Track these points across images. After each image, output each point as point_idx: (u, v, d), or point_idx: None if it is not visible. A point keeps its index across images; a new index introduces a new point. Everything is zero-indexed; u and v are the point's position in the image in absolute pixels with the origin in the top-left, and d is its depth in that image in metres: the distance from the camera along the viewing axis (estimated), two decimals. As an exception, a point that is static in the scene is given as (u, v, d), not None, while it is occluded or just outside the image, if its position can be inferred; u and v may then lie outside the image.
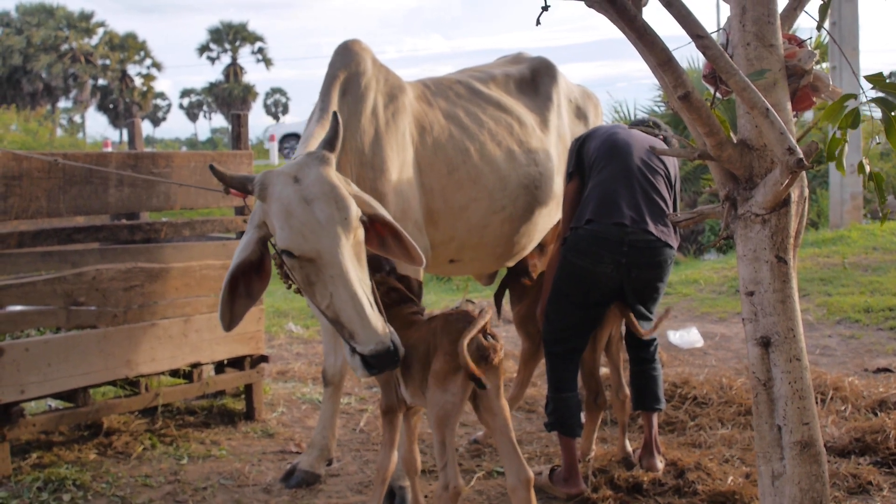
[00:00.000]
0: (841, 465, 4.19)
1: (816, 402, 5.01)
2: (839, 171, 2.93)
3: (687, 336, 6.87)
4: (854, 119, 2.80)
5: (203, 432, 4.94)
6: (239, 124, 5.05)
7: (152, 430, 4.91)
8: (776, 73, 2.69)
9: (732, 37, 2.76)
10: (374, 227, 3.30)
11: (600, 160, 4.11)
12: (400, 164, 3.97)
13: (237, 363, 5.12)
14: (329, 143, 3.20)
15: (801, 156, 2.40)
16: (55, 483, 4.13)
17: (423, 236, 4.10)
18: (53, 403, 5.04)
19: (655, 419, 4.27)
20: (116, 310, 4.45)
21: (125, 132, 58.58)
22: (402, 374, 3.42)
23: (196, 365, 4.88)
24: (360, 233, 3.17)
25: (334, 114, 3.19)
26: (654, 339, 4.28)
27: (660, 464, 4.18)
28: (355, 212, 3.10)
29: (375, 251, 3.33)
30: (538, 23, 2.29)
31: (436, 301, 9.94)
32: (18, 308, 4.30)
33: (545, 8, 2.27)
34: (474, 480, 4.25)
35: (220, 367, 5.18)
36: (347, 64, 4.03)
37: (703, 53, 2.48)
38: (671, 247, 4.02)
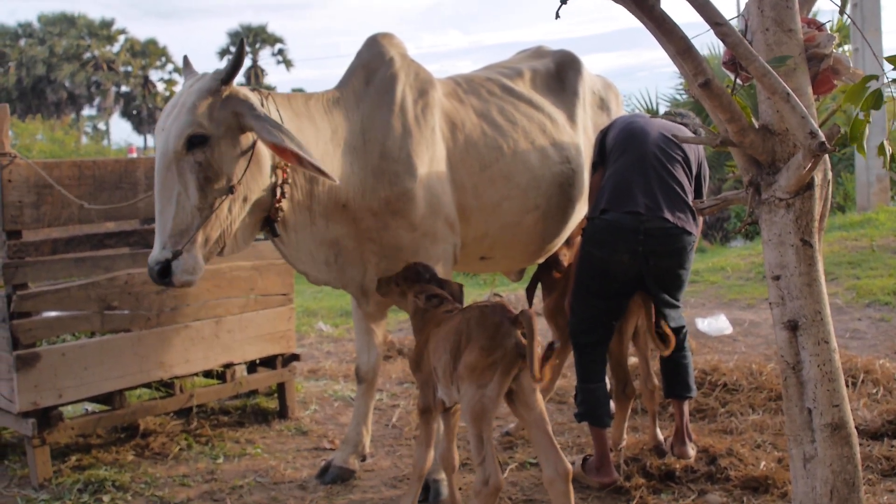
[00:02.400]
0: (874, 448, 4.19)
1: (847, 386, 5.02)
2: (860, 153, 2.93)
3: (715, 323, 6.86)
4: (877, 100, 2.81)
5: (238, 431, 5.01)
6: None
7: (188, 430, 4.98)
8: (796, 58, 2.69)
9: (751, 22, 2.77)
10: (286, 154, 3.39)
11: (617, 149, 4.12)
12: (429, 159, 3.97)
13: (269, 362, 5.18)
14: (226, 72, 3.39)
15: (823, 139, 2.41)
16: (95, 484, 4.20)
17: (454, 234, 4.09)
18: (90, 407, 5.11)
19: (686, 407, 4.27)
20: (149, 313, 4.52)
21: (150, 138, 59.18)
22: (434, 370, 3.43)
23: (229, 365, 4.94)
24: (200, 156, 3.30)
25: (241, 40, 3.32)
26: (684, 327, 4.28)
27: (691, 451, 4.19)
28: (181, 131, 3.28)
29: (294, 164, 3.44)
30: (557, 16, 2.31)
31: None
32: (54, 314, 4.37)
33: (564, 1, 2.29)
34: (507, 472, 4.28)
35: (252, 366, 5.24)
36: (373, 55, 4.05)
37: (723, 41, 2.50)
38: (689, 233, 4.00)
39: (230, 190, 3.37)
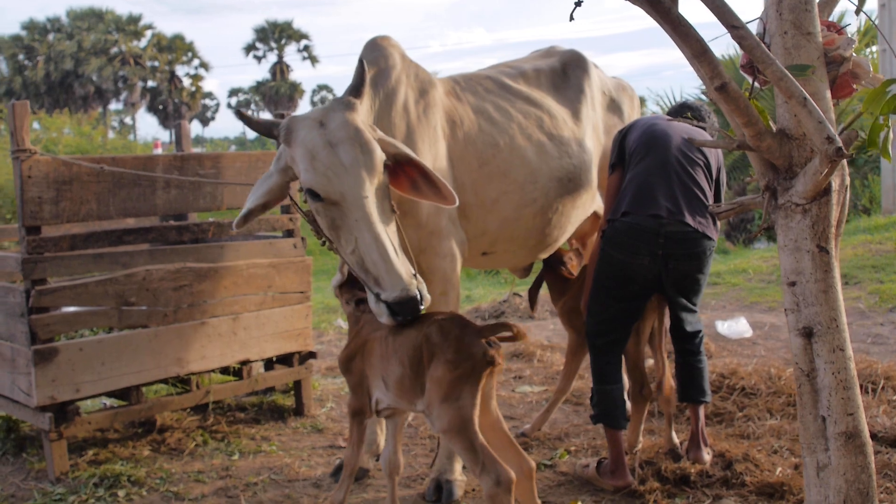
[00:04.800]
0: (892, 456, 4.13)
1: (867, 392, 4.97)
2: (885, 157, 2.89)
3: (735, 326, 6.81)
4: (897, 105, 2.78)
5: (254, 428, 5.03)
6: (282, 124, 5.09)
7: (204, 426, 5.00)
8: (815, 62, 2.66)
9: (769, 26, 2.73)
10: (404, 169, 3.32)
11: (638, 152, 4.10)
12: (432, 158, 3.99)
13: (286, 360, 5.19)
14: (355, 90, 3.26)
15: (840, 144, 2.38)
16: (110, 479, 4.23)
17: (458, 230, 4.11)
18: (108, 402, 5.15)
19: (702, 411, 4.24)
20: (166, 309, 4.54)
21: (174, 133, 59.59)
22: (382, 378, 3.39)
23: (245, 362, 4.95)
24: (385, 178, 3.20)
25: (360, 60, 3.22)
26: (700, 331, 4.26)
27: (707, 456, 4.16)
28: (380, 156, 3.15)
29: (408, 194, 3.36)
30: (571, 18, 2.30)
31: (484, 294, 9.96)
32: (72, 309, 4.40)
33: (578, 3, 2.27)
34: (521, 473, 4.26)
35: (269, 363, 5.25)
36: (376, 59, 4.05)
37: (739, 44, 2.47)
38: (710, 238, 3.99)
39: (392, 210, 3.33)
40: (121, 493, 4.12)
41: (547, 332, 7.39)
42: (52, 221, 4.21)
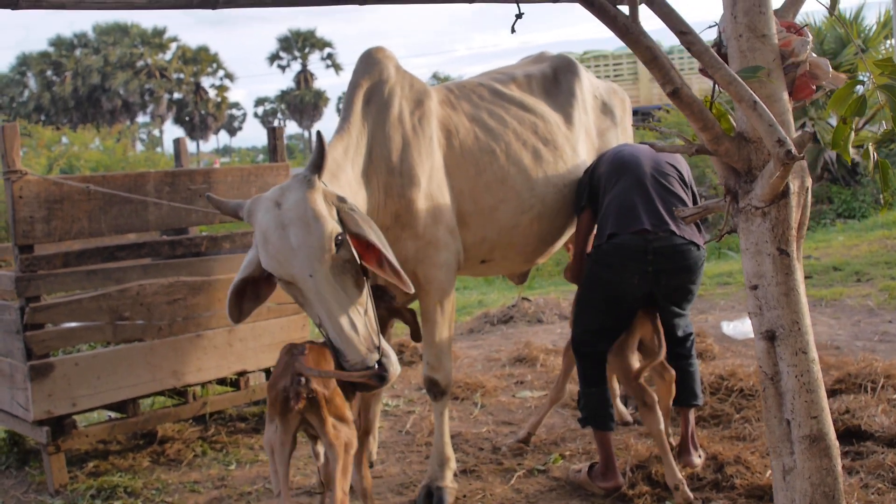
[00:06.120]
0: (887, 456, 4.08)
1: (866, 391, 4.92)
2: (845, 157, 2.89)
3: (741, 327, 6.76)
4: (860, 106, 2.77)
5: (252, 438, 5.08)
6: (275, 137, 5.16)
7: (204, 437, 5.06)
8: (770, 64, 2.66)
9: (726, 29, 2.74)
10: (372, 246, 3.31)
11: (611, 177, 4.10)
12: (429, 168, 4.01)
13: (285, 370, 5.22)
14: (314, 166, 3.23)
15: (791, 147, 2.37)
16: (107, 491, 4.30)
17: (456, 240, 4.12)
18: (113, 414, 5.22)
19: (692, 415, 4.23)
20: (161, 323, 4.60)
21: (202, 143, 60.29)
22: None
23: (242, 373, 5.00)
24: (344, 252, 3.20)
25: (318, 133, 3.23)
26: (691, 334, 4.24)
27: (697, 460, 4.15)
28: (329, 233, 3.12)
29: (375, 270, 3.34)
30: (513, 31, 2.31)
31: (496, 299, 9.96)
32: (68, 325, 4.47)
33: (518, 16, 2.29)
34: (514, 479, 4.28)
35: (269, 374, 5.29)
36: (370, 72, 4.08)
37: (688, 49, 2.48)
38: (699, 246, 3.95)
39: (365, 273, 3.35)
40: (117, 503, 4.19)
41: (553, 336, 7.38)
42: (44, 240, 4.28)
